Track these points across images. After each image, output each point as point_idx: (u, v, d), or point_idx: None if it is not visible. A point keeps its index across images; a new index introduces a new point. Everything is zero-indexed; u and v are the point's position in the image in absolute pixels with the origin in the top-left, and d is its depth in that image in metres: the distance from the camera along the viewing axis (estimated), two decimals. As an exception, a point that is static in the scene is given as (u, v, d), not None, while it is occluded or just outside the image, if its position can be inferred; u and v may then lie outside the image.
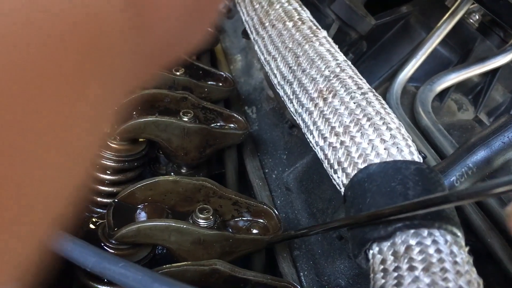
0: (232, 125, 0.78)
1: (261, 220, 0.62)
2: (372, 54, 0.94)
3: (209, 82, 0.87)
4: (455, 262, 0.36)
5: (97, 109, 0.18)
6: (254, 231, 0.61)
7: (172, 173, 0.76)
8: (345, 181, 0.45)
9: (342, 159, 0.47)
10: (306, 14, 0.67)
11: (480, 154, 0.55)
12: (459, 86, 0.93)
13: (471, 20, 0.93)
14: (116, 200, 0.56)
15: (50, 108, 0.15)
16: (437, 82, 0.86)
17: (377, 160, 0.44)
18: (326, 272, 0.67)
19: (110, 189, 0.68)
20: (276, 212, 0.62)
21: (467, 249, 0.38)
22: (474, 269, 0.37)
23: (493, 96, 0.97)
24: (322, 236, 0.70)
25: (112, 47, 0.18)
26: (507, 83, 0.97)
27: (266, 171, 0.84)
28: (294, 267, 0.66)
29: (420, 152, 0.69)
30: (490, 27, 0.93)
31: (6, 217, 0.14)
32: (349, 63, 0.57)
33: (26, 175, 0.15)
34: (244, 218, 0.62)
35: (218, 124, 0.78)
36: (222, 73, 0.89)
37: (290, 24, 0.64)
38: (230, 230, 0.61)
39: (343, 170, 0.46)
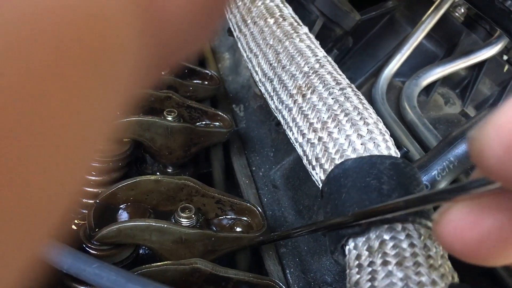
0: (217, 123, 0.78)
1: (245, 218, 0.62)
2: (358, 50, 0.94)
3: (195, 81, 0.87)
4: (429, 256, 0.35)
5: (97, 114, 0.17)
6: (238, 229, 0.61)
7: (158, 173, 0.76)
8: (323, 177, 0.45)
9: (320, 155, 0.47)
10: (287, 10, 0.67)
11: (461, 148, 0.55)
12: (446, 80, 0.93)
13: (457, 14, 0.93)
14: (97, 201, 0.56)
15: (48, 111, 0.15)
16: (423, 77, 0.86)
17: (353, 156, 0.44)
18: (312, 269, 0.67)
19: (94, 190, 0.68)
20: (260, 209, 0.62)
21: (442, 242, 0.38)
22: (448, 262, 0.37)
23: (481, 89, 0.97)
24: (308, 232, 0.70)
25: (117, 49, 0.17)
26: (494, 76, 0.97)
27: (253, 168, 0.83)
28: (280, 265, 0.66)
29: (402, 147, 0.69)
30: (476, 20, 0.93)
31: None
32: (329, 58, 0.57)
33: (21, 184, 0.14)
34: (228, 216, 0.62)
35: (203, 122, 0.78)
36: (208, 72, 0.89)
37: (271, 21, 0.64)
38: (214, 228, 0.60)
39: (321, 166, 0.46)
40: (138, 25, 0.19)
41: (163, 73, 0.74)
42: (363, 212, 0.37)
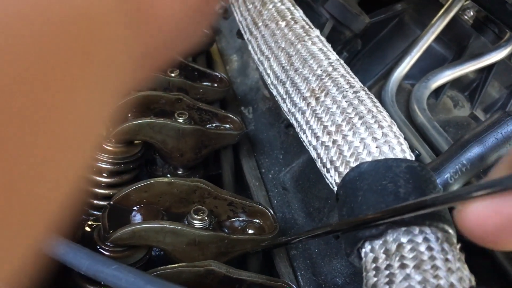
0: (227, 125, 0.78)
1: (257, 220, 0.62)
2: (367, 52, 0.94)
3: (204, 83, 0.87)
4: (446, 259, 0.36)
5: (93, 111, 0.18)
6: (250, 231, 0.61)
7: (168, 175, 0.76)
8: (338, 180, 0.45)
9: (335, 158, 0.47)
10: (299, 13, 0.67)
11: (474, 151, 0.55)
12: (455, 83, 0.93)
13: (466, 17, 0.93)
14: (111, 203, 0.56)
15: (45, 108, 0.15)
16: (432, 79, 0.86)
17: (369, 159, 0.44)
18: (323, 271, 0.67)
19: (106, 191, 0.68)
20: (272, 212, 0.62)
21: (458, 246, 0.38)
22: (465, 266, 0.37)
23: (489, 92, 0.97)
24: (319, 235, 0.71)
25: (108, 47, 0.18)
26: (503, 79, 0.97)
27: (263, 171, 0.84)
28: (291, 267, 0.66)
29: (413, 150, 0.69)
30: (485, 23, 0.93)
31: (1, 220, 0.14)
32: (342, 61, 0.57)
33: (21, 177, 0.15)
34: (240, 219, 0.62)
35: (214, 125, 0.78)
36: (217, 74, 0.89)
37: (283, 24, 0.64)
38: (226, 230, 0.61)
39: (336, 169, 0.46)
40: (129, 23, 0.19)
41: (172, 74, 0.73)
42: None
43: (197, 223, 0.56)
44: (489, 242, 0.27)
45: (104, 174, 0.68)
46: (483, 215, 0.27)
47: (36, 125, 0.15)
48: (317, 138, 0.50)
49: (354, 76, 0.55)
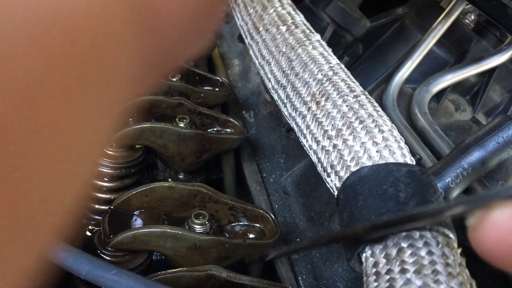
0: (228, 130, 0.79)
1: (258, 225, 0.62)
2: (368, 56, 0.94)
3: (206, 87, 0.87)
4: (447, 264, 0.35)
5: (98, 117, 0.18)
6: (251, 235, 0.61)
7: (169, 179, 0.76)
8: (338, 185, 0.45)
9: (335, 163, 0.47)
10: (299, 18, 0.67)
11: (475, 155, 0.55)
12: (456, 87, 0.93)
13: (467, 21, 0.93)
14: (111, 207, 0.56)
15: (49, 114, 0.15)
16: (434, 83, 0.86)
17: (369, 163, 0.44)
18: (324, 275, 0.67)
19: (107, 196, 0.68)
20: (273, 216, 0.62)
21: (459, 250, 0.38)
22: (466, 270, 0.37)
23: (491, 96, 0.96)
24: (320, 239, 0.70)
25: (115, 53, 0.18)
26: (505, 83, 0.97)
27: (264, 175, 0.84)
28: (292, 271, 0.66)
29: (414, 154, 0.69)
30: (486, 27, 0.93)
31: (3, 226, 0.14)
32: (342, 66, 0.57)
33: (25, 182, 0.15)
34: (241, 223, 0.62)
35: (215, 129, 0.78)
36: (219, 78, 0.89)
37: (283, 28, 0.64)
38: (227, 235, 0.61)
39: (336, 173, 0.46)
40: (133, 30, 0.19)
41: (174, 78, 0.73)
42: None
43: (197, 228, 0.56)
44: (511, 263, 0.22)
45: (105, 179, 0.68)
46: (506, 230, 0.21)
47: (40, 132, 0.15)
48: (317, 142, 0.50)
49: (354, 80, 0.55)
